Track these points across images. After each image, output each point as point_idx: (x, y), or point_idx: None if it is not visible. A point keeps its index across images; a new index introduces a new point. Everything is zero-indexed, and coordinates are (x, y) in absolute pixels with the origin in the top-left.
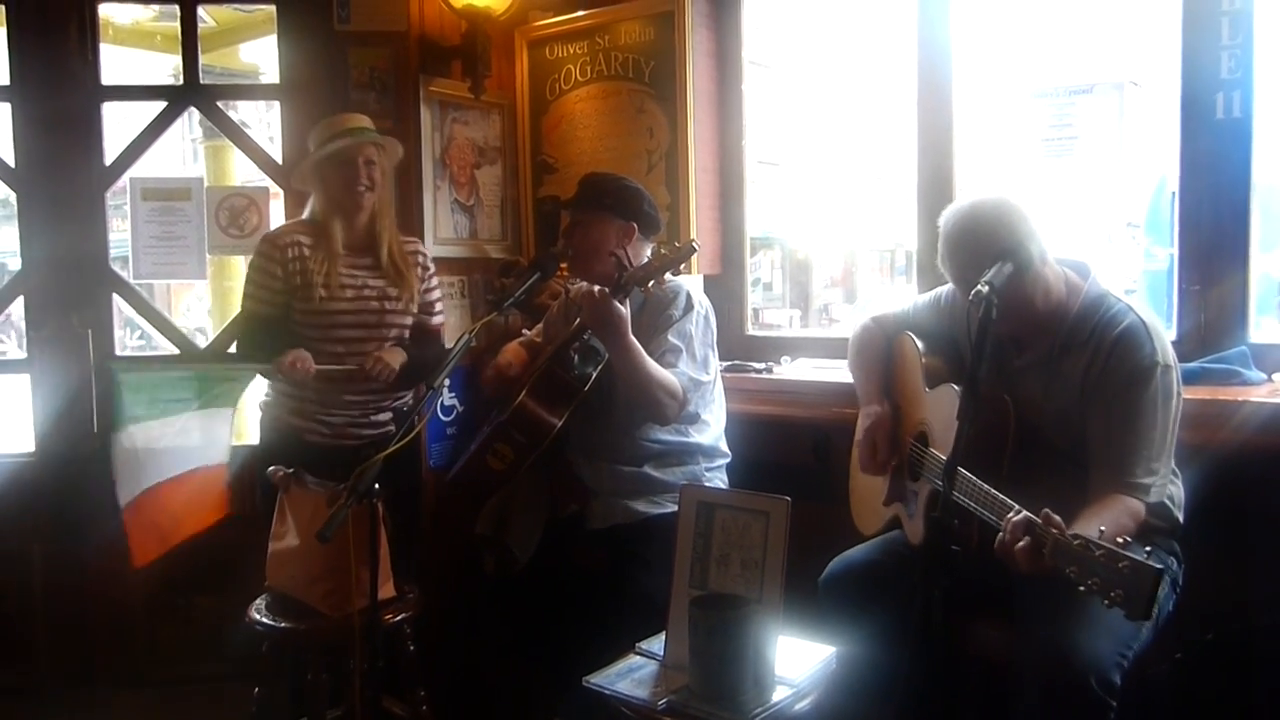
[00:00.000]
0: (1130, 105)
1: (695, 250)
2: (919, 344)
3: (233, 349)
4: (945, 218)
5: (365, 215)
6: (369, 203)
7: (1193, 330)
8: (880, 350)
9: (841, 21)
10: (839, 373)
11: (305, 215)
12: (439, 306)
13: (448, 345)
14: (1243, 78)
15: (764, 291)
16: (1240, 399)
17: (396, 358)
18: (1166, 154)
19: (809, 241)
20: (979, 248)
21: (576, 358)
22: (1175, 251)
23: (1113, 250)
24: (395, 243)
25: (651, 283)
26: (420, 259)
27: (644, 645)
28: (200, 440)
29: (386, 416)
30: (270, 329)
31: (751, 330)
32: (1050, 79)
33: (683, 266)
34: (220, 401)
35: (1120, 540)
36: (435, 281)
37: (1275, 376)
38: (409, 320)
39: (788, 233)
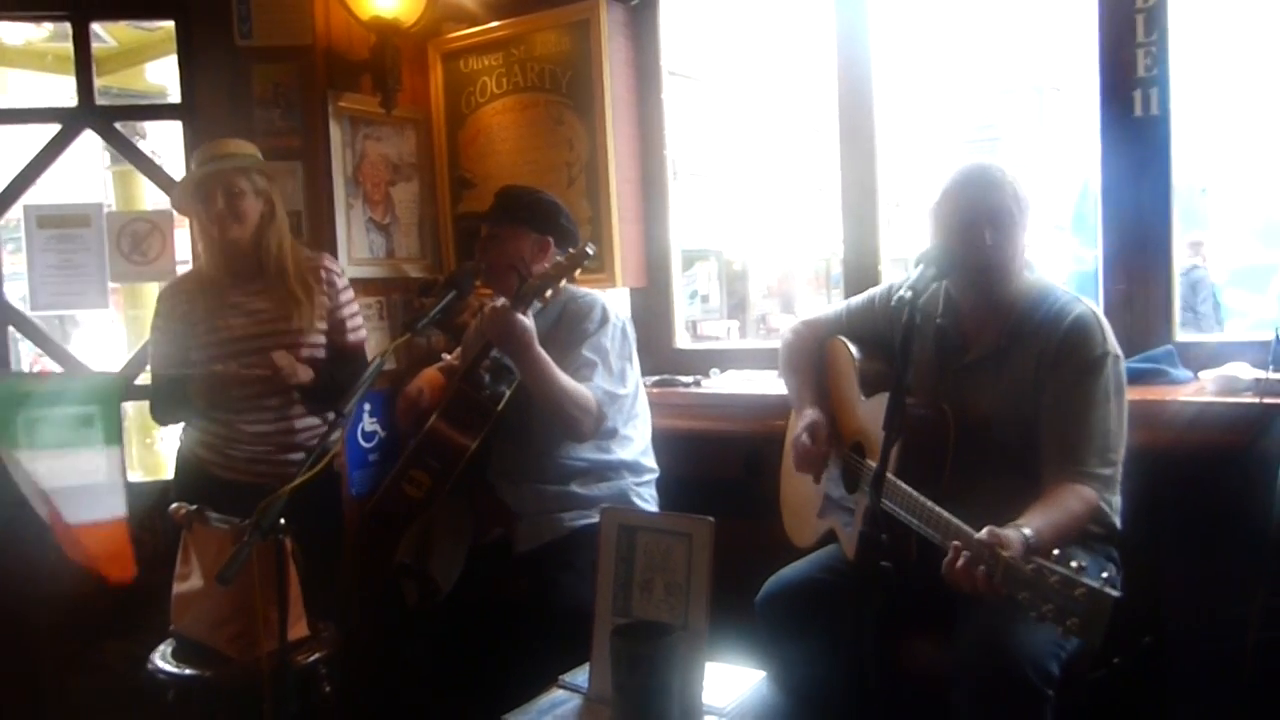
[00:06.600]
0: (1050, 107)
1: (590, 255)
2: (853, 349)
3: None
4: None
5: (244, 242)
6: (238, 233)
7: (1119, 330)
8: (813, 356)
9: (766, 31)
10: (769, 384)
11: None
12: (354, 322)
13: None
14: (1159, 75)
15: (701, 304)
16: (1168, 398)
17: (304, 371)
18: (1089, 157)
19: (745, 252)
20: (987, 199)
21: (488, 376)
22: (1100, 252)
23: (1041, 252)
24: (292, 264)
25: (549, 291)
26: (325, 274)
27: (567, 678)
28: (85, 484)
29: (299, 456)
30: (178, 386)
31: (680, 344)
32: (971, 81)
33: (606, 280)
34: (101, 436)
35: (1075, 565)
36: (347, 296)
37: (1201, 374)
38: (316, 339)
39: (724, 244)
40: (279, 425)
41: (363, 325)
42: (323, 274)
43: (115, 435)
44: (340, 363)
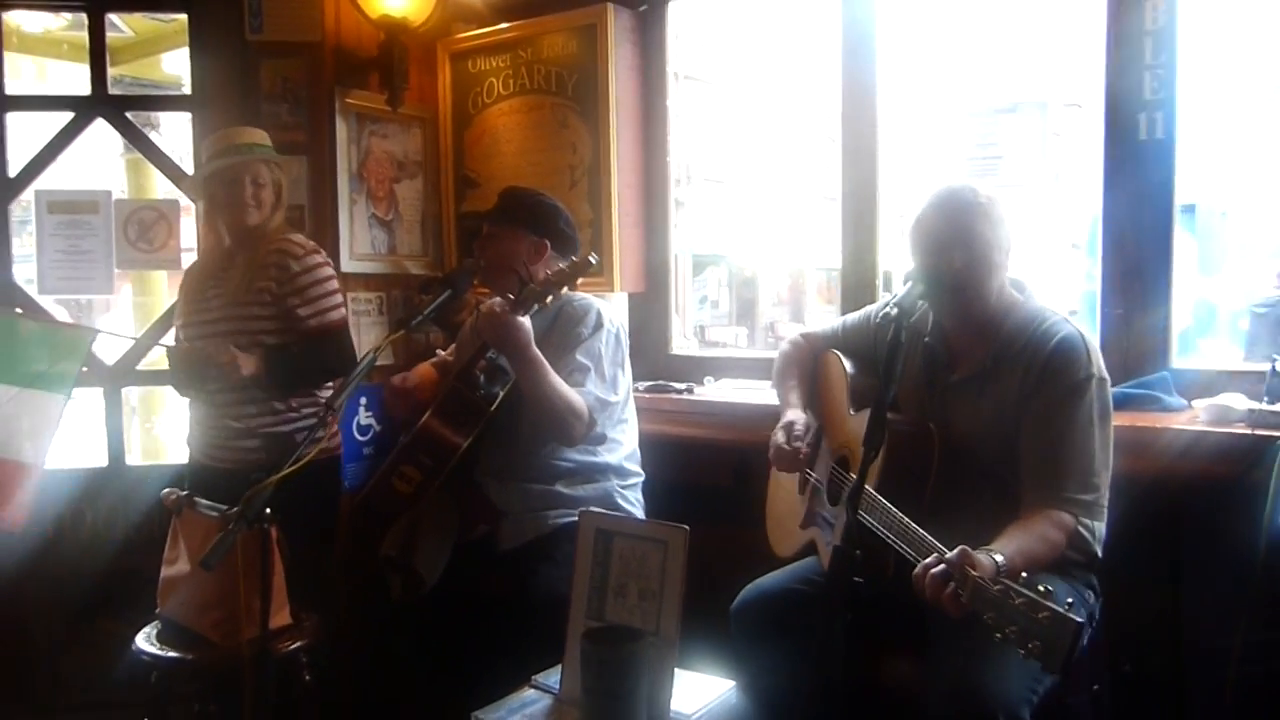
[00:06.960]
0: (1065, 125)
1: (592, 264)
2: (846, 364)
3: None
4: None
5: (251, 231)
6: (256, 219)
7: (1116, 354)
8: (806, 368)
9: (780, 39)
10: (760, 394)
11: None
12: (313, 308)
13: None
14: (1166, 98)
15: (711, 309)
16: (1161, 425)
17: (248, 364)
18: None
19: (755, 259)
20: (957, 223)
21: (483, 377)
22: (1099, 274)
23: (1056, 270)
24: (262, 251)
25: (550, 297)
26: (277, 256)
27: (540, 678)
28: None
29: (255, 443)
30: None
31: (676, 350)
32: (974, 98)
33: (605, 285)
34: (52, 381)
35: (1043, 589)
36: (305, 280)
37: (1195, 403)
38: (267, 325)
39: (734, 250)
40: (232, 410)
41: (333, 307)
42: (273, 257)
43: (61, 386)
44: (311, 347)
